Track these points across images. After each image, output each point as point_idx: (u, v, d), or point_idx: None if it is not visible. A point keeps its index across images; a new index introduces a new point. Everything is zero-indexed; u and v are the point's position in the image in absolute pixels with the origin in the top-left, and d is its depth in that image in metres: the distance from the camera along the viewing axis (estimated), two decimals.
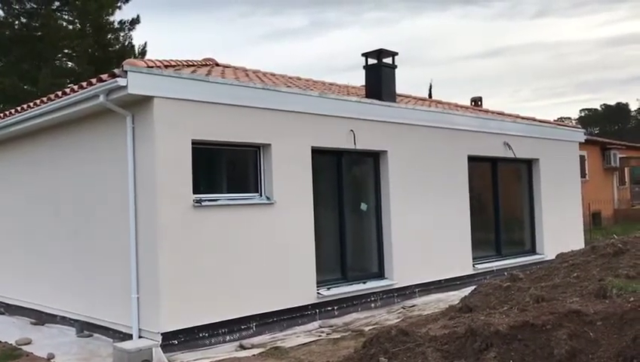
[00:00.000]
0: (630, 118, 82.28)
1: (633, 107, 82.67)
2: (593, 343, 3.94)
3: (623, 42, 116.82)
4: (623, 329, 3.92)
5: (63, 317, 9.00)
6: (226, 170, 8.56)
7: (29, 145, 9.95)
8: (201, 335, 7.51)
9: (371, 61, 10.70)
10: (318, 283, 8.88)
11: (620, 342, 3.82)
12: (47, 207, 9.48)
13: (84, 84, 7.78)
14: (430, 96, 24.90)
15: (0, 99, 22.82)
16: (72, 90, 8.03)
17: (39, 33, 24.08)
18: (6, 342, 8.28)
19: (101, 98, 7.29)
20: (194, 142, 7.59)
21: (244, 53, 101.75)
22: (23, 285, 10.10)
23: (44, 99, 8.83)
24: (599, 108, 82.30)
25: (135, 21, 26.18)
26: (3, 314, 10.44)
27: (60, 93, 8.43)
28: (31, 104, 9.18)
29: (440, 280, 10.71)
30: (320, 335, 8.04)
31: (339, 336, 7.92)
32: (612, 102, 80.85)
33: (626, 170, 30.02)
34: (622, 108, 79.86)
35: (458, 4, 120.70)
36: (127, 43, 26.23)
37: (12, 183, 10.58)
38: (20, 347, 7.98)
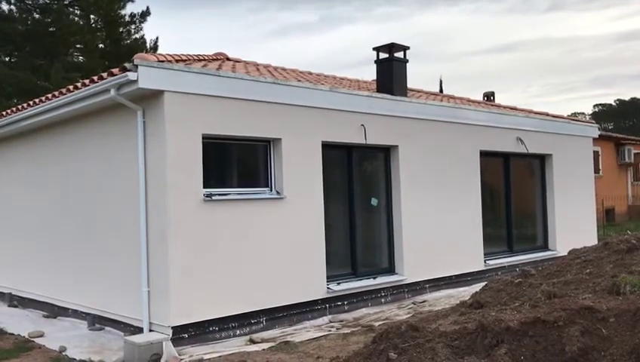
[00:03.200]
0: None
1: None
2: (605, 340, 3.89)
3: (637, 36, 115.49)
4: (636, 326, 3.87)
5: (75, 311, 9.06)
6: (236, 164, 8.56)
7: (41, 139, 10.01)
8: (211, 329, 7.53)
9: (382, 55, 10.65)
10: (328, 278, 8.86)
11: (632, 339, 3.77)
12: (59, 202, 9.54)
13: (95, 78, 7.81)
14: (441, 91, 24.75)
15: (15, 92, 23.00)
16: (83, 85, 8.05)
17: (51, 28, 24.22)
18: (19, 335, 8.36)
19: (112, 92, 7.30)
20: (204, 137, 7.60)
21: (255, 48, 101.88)
22: (36, 279, 10.18)
23: (56, 93, 8.88)
24: (613, 104, 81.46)
25: (145, 13, 26.25)
26: (16, 307, 10.54)
27: (71, 87, 8.47)
28: (43, 98, 9.23)
29: (451, 276, 10.66)
30: (330, 330, 8.03)
31: (349, 331, 7.91)
32: (626, 98, 79.97)
33: None
34: (636, 103, 78.94)
35: None
36: (138, 37, 26.33)
37: (23, 178, 10.66)
38: (32, 339, 8.05)
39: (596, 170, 17.98)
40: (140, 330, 7.50)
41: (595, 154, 20.08)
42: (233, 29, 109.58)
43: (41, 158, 10.11)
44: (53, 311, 9.55)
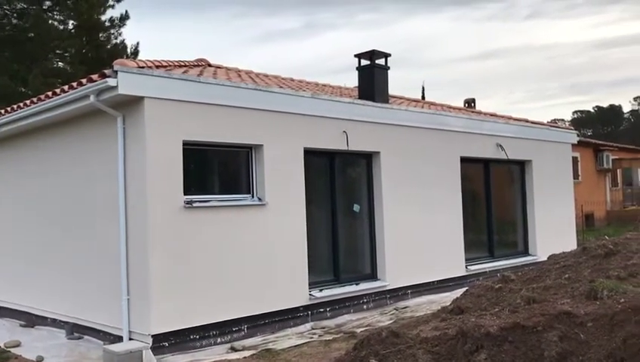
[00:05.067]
0: (623, 119, 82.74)
1: (626, 109, 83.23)
2: (584, 344, 3.93)
3: (614, 44, 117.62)
4: (613, 331, 3.91)
5: (54, 320, 8.93)
6: (217, 171, 8.52)
7: (18, 146, 9.87)
8: (191, 337, 7.46)
9: (364, 62, 10.68)
10: (310, 284, 8.84)
11: (610, 344, 3.81)
12: (37, 209, 9.41)
13: (75, 84, 7.73)
14: (423, 97, 24.89)
15: None
16: (62, 91, 7.97)
17: (30, 34, 23.93)
18: None
19: (91, 98, 7.23)
20: (185, 143, 7.55)
21: (238, 54, 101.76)
22: (12, 287, 10.02)
23: (34, 99, 8.77)
24: (592, 110, 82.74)
25: (124, 17, 25.91)
26: None
27: (50, 93, 8.37)
28: (21, 104, 9.11)
29: (432, 282, 10.70)
30: (312, 337, 8.01)
31: (331, 338, 7.89)
32: (605, 104, 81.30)
33: (619, 171, 30.16)
34: (614, 109, 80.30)
35: (451, 6, 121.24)
36: (119, 43, 26.08)
37: (1, 185, 10.49)
38: (8, 349, 7.91)
39: (575, 176, 18.17)
40: (119, 339, 7.41)
41: (574, 160, 20.28)
42: (217, 35, 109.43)
43: (18, 165, 9.96)
44: (31, 320, 9.40)
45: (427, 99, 20.00)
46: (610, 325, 3.98)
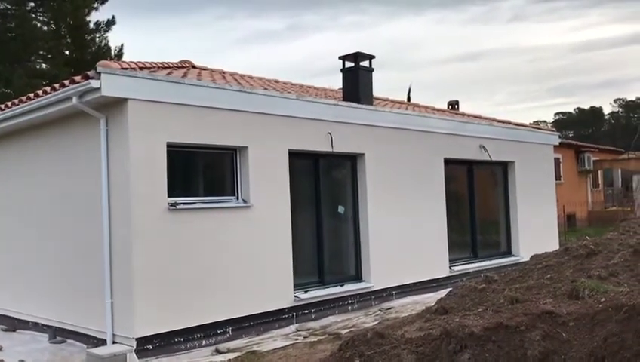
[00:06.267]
0: (603, 121, 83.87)
1: (606, 110, 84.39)
2: (566, 344, 3.97)
3: (595, 47, 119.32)
4: (594, 330, 3.96)
5: (36, 323, 8.83)
6: (202, 173, 8.50)
7: (3, 147, 9.75)
8: (176, 339, 7.43)
9: (348, 64, 10.72)
10: (295, 286, 8.84)
11: (591, 342, 3.86)
12: (19, 212, 9.30)
13: (57, 85, 7.67)
14: (409, 99, 24.95)
15: None
16: (45, 92, 7.90)
17: (13, 34, 23.66)
18: None
19: (74, 100, 7.18)
20: (169, 145, 7.52)
21: (222, 55, 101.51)
22: None
23: (16, 101, 8.69)
24: (573, 112, 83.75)
25: (111, 22, 25.82)
26: None
27: (32, 95, 8.29)
28: (2, 106, 9.01)
29: (416, 283, 10.75)
30: (297, 339, 8.01)
31: (316, 339, 7.90)
32: (586, 106, 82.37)
33: (600, 172, 30.55)
34: (595, 111, 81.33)
35: (434, 9, 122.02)
36: (103, 45, 25.89)
37: None
38: None
39: (557, 177, 18.40)
40: (103, 342, 7.35)
41: (556, 161, 20.56)
42: (201, 36, 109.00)
43: (2, 166, 9.84)
44: (13, 324, 9.28)
45: (412, 100, 20.11)
46: (592, 324, 4.03)
